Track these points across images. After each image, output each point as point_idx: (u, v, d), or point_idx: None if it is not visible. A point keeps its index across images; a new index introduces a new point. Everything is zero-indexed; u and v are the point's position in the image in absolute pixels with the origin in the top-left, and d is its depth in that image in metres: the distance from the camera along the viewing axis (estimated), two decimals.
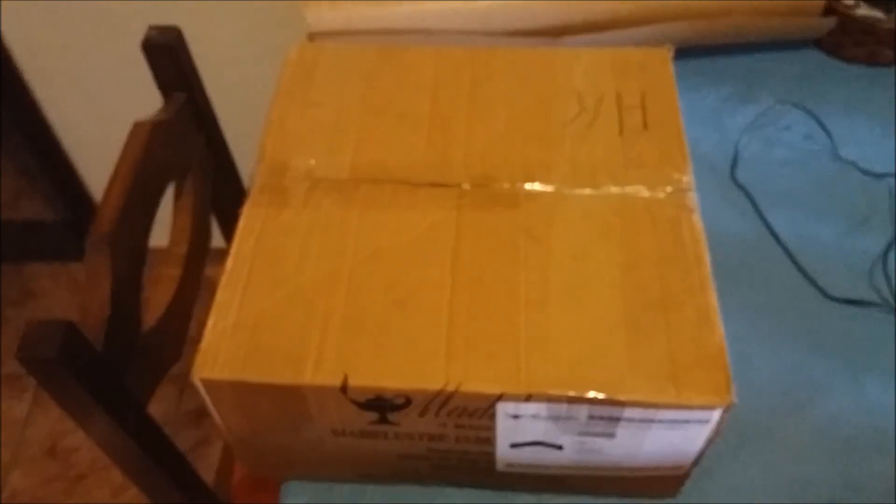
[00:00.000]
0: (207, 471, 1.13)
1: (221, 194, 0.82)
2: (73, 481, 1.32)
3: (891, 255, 0.68)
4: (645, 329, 0.46)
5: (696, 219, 0.51)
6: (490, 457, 0.51)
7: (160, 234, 0.73)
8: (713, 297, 0.47)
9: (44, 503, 1.28)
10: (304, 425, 0.49)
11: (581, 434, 0.47)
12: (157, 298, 0.72)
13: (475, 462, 0.52)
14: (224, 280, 0.49)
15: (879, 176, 0.75)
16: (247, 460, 0.56)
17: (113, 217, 0.60)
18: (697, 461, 0.50)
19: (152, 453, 0.62)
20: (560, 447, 0.49)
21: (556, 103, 0.60)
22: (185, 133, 0.74)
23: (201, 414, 1.39)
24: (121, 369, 0.59)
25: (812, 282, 0.67)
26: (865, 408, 0.59)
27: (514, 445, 0.49)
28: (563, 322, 0.47)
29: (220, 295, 0.48)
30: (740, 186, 0.74)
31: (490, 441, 0.49)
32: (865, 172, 0.75)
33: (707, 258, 0.49)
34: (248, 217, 0.52)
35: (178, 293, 0.72)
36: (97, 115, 1.26)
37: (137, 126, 0.66)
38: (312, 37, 0.79)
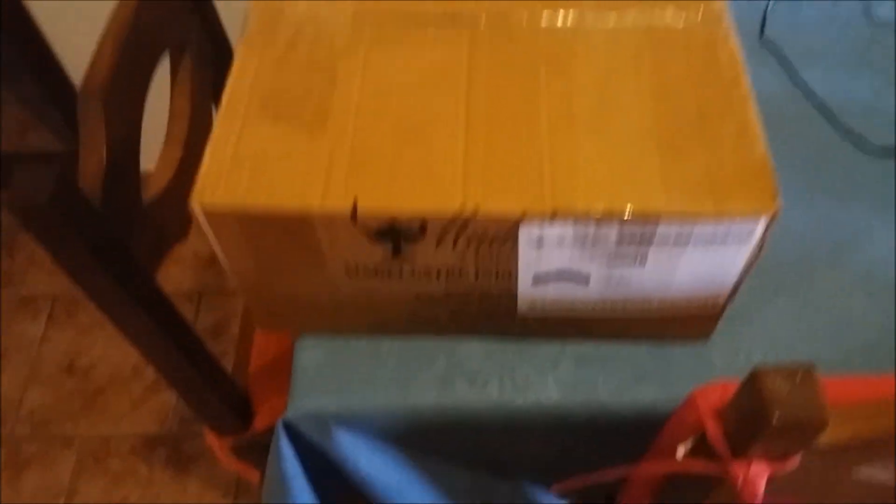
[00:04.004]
0: None
1: (222, 87, 0.79)
2: (92, 395, 1.32)
3: None
4: (680, 148, 0.43)
5: (733, 41, 0.47)
6: (511, 296, 0.48)
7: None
8: (753, 113, 0.44)
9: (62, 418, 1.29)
10: (315, 264, 0.46)
11: (609, 262, 0.44)
12: (160, 178, 0.69)
13: (496, 303, 0.49)
14: (220, 116, 0.46)
15: None
16: (258, 311, 0.54)
17: (105, 73, 0.57)
18: (734, 293, 0.47)
19: (159, 320, 0.60)
20: (586, 280, 0.46)
21: None
22: (177, 5, 0.70)
23: (218, 331, 1.39)
24: (122, 230, 0.57)
25: (849, 135, 0.63)
26: None
27: (536, 280, 0.46)
28: (590, 145, 0.43)
29: (218, 130, 0.45)
30: (770, 47, 0.70)
31: (511, 275, 0.46)
32: None
33: (745, 78, 0.45)
34: (243, 56, 0.49)
35: (180, 172, 0.69)
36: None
37: None
38: None
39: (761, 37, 0.71)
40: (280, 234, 0.44)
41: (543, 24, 0.50)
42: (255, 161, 0.43)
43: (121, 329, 0.61)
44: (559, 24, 0.49)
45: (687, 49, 0.48)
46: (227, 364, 1.37)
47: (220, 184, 0.42)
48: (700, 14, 0.49)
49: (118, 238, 0.56)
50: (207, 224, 0.43)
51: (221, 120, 0.46)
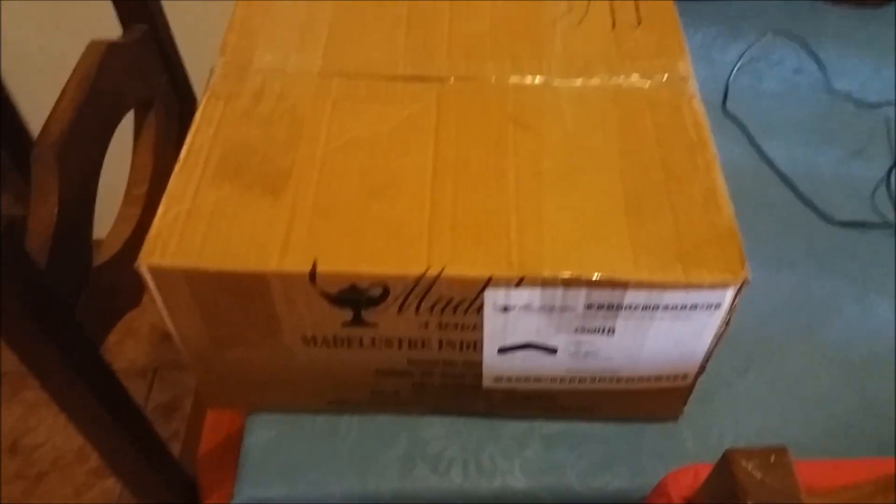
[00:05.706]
0: None
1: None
2: (35, 480, 1.25)
3: (894, 178, 0.65)
4: (647, 211, 0.42)
5: (697, 104, 0.47)
6: (476, 368, 0.46)
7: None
8: (720, 178, 0.43)
9: (3, 503, 1.21)
10: (271, 332, 0.44)
11: (577, 331, 0.42)
12: (115, 238, 0.66)
13: (460, 377, 0.47)
14: (178, 168, 0.44)
15: (875, 106, 0.72)
16: (208, 386, 0.51)
17: (61, 129, 0.55)
18: (704, 366, 0.45)
19: (102, 397, 0.56)
20: (553, 351, 0.44)
21: (543, 1, 0.56)
22: (145, 63, 0.69)
23: (171, 409, 1.32)
24: (67, 295, 0.54)
25: (813, 206, 0.63)
26: (876, 327, 0.56)
27: (502, 350, 0.44)
28: (557, 205, 0.42)
29: (173, 183, 0.43)
30: (733, 118, 0.71)
31: (476, 346, 0.44)
32: (860, 103, 0.72)
33: (711, 141, 0.45)
34: (207, 108, 0.47)
35: (137, 233, 0.66)
36: None
37: (92, 44, 0.61)
38: None
39: (723, 108, 0.72)
40: (234, 298, 0.42)
41: (512, 81, 0.49)
42: (210, 219, 0.41)
43: (58, 403, 0.56)
44: (527, 82, 0.49)
45: (653, 110, 0.48)
46: (178, 446, 1.30)
47: (171, 243, 0.40)
48: (665, 76, 0.50)
49: (63, 303, 0.53)
50: (155, 288, 0.41)
51: (178, 174, 0.44)
